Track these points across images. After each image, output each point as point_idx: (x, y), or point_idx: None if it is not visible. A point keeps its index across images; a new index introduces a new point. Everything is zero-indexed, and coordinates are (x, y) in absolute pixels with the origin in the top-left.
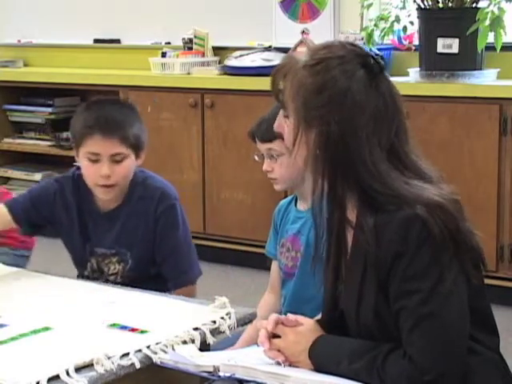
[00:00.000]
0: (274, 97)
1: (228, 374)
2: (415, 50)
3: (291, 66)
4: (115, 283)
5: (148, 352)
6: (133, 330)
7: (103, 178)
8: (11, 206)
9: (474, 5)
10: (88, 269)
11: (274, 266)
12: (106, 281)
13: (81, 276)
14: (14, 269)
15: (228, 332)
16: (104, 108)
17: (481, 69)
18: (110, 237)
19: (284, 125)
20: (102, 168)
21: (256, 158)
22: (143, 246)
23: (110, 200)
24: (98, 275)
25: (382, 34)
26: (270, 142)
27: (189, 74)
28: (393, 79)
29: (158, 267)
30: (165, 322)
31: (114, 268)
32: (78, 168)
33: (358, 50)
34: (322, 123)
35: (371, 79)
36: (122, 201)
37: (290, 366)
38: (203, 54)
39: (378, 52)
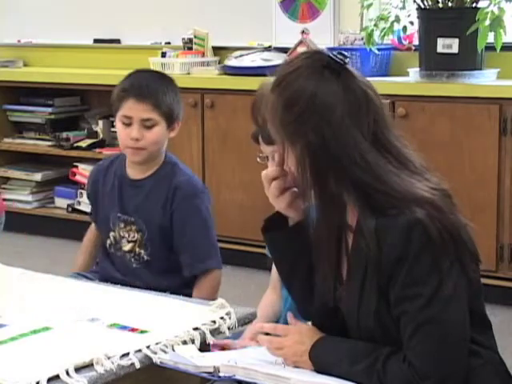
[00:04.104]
0: (256, 125)
1: (228, 375)
2: (415, 49)
3: (264, 93)
4: (135, 256)
5: (148, 352)
6: (133, 329)
7: (133, 140)
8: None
9: (473, 5)
10: (111, 238)
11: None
12: (124, 254)
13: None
14: (15, 269)
15: (228, 332)
16: (141, 76)
17: (481, 69)
18: (132, 204)
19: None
20: (133, 131)
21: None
22: (156, 223)
23: (138, 169)
24: (115, 249)
25: (382, 34)
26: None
27: (189, 73)
28: (393, 79)
29: (176, 256)
30: (165, 322)
31: (134, 236)
32: None
33: (317, 55)
34: (300, 136)
35: (336, 78)
36: (150, 174)
37: (290, 366)
38: (203, 54)
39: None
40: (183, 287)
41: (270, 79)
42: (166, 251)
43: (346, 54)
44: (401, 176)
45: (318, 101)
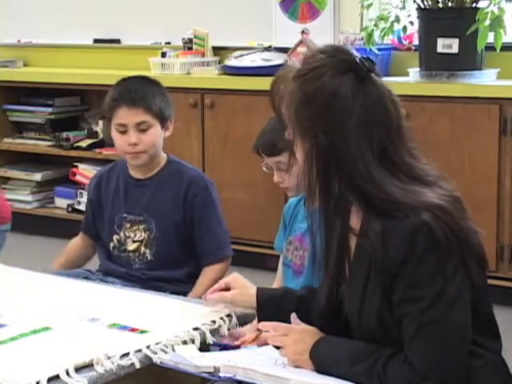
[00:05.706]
0: (271, 106)
1: (228, 375)
2: (415, 49)
3: (285, 76)
4: (139, 256)
5: (148, 352)
6: (133, 329)
7: (131, 146)
8: (81, 228)
9: (473, 5)
10: (114, 241)
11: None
12: (128, 254)
13: (105, 251)
14: (14, 269)
15: (227, 332)
16: (128, 82)
17: (481, 69)
18: (140, 204)
19: None
20: (130, 137)
21: (265, 169)
22: (168, 219)
23: (142, 170)
24: (119, 251)
25: (382, 34)
26: (277, 155)
27: (189, 73)
28: (393, 79)
29: (182, 249)
30: (165, 322)
31: (140, 235)
32: None
33: (345, 56)
34: (311, 135)
35: (359, 83)
36: (155, 173)
37: (290, 366)
38: (203, 54)
39: (375, 53)
40: (186, 278)
41: (295, 64)
42: (174, 246)
43: (373, 60)
44: (407, 189)
45: (336, 104)
